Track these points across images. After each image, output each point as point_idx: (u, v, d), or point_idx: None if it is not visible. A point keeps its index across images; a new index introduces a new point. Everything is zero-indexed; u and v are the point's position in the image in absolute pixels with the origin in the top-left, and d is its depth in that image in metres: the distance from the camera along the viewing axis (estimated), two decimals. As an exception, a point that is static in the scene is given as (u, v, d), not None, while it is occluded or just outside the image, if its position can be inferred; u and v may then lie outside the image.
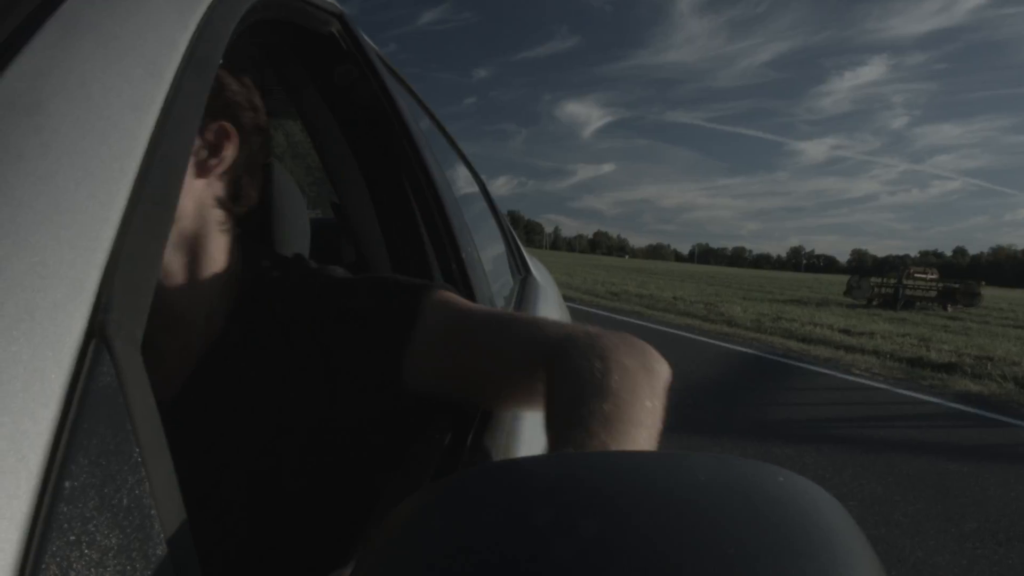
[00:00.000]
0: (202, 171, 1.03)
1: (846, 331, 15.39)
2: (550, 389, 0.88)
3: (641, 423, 0.81)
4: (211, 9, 0.75)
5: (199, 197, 1.02)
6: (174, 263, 1.01)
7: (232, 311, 1.05)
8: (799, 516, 0.42)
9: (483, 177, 3.92)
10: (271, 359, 1.01)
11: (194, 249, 1.03)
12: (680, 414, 8.06)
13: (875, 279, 27.03)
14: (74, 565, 0.38)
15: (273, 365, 1.00)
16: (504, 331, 1.01)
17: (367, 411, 0.99)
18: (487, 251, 2.66)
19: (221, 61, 0.76)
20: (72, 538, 0.38)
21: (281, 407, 0.98)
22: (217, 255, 1.06)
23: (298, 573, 0.93)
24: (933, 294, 25.85)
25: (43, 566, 0.36)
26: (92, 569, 0.38)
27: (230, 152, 1.06)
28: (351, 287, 1.08)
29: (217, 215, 1.04)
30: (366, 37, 1.65)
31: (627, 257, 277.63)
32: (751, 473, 0.46)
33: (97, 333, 0.45)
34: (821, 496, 0.45)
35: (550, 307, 3.17)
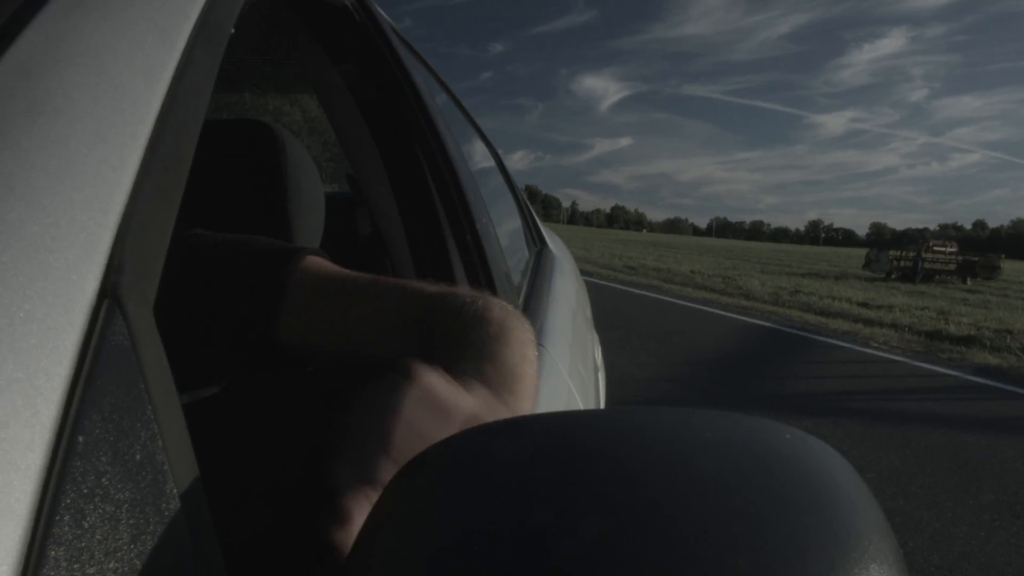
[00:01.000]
0: None
1: (864, 304, 15.32)
2: (425, 348, 0.89)
3: (523, 376, 0.84)
4: (223, -22, 0.76)
5: None
6: None
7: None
8: (805, 473, 0.43)
9: (499, 151, 3.91)
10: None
11: None
12: (698, 387, 8.11)
13: (894, 252, 26.84)
14: (88, 517, 0.38)
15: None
16: (373, 293, 1.01)
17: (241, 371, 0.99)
18: (503, 225, 2.66)
19: (233, 30, 0.77)
20: (86, 491, 0.39)
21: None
22: None
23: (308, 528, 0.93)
24: (952, 267, 25.67)
25: (57, 517, 0.37)
26: (106, 522, 0.39)
27: None
28: (222, 248, 1.06)
29: None
30: (381, 10, 1.64)
31: (645, 231, 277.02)
32: (758, 430, 0.47)
33: (110, 293, 0.45)
34: (827, 453, 0.46)
35: (566, 280, 3.17)
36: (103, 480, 0.40)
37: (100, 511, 0.39)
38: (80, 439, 0.39)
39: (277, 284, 0.99)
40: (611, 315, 11.56)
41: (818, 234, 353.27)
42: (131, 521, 0.41)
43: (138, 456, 0.42)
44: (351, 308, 1.00)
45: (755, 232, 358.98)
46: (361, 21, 1.46)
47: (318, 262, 1.05)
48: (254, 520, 0.93)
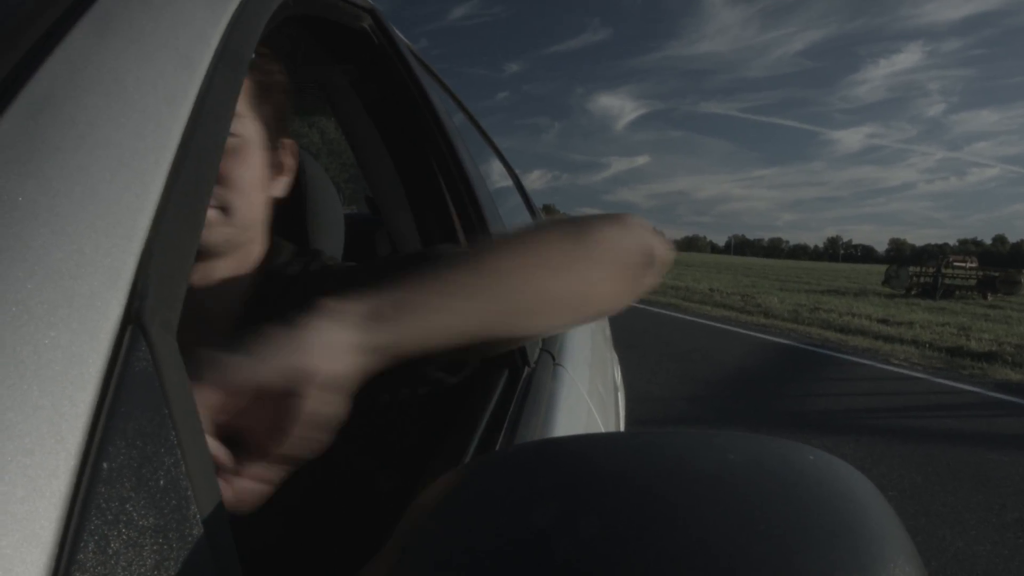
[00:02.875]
0: (270, 187, 1.09)
1: (884, 321, 15.24)
2: None
3: (547, 264, 0.86)
4: (243, 5, 0.76)
5: (263, 208, 1.07)
6: (220, 262, 1.04)
7: (248, 305, 1.07)
8: (830, 494, 0.43)
9: (517, 171, 3.91)
10: None
11: (241, 250, 1.07)
12: (718, 406, 8.08)
13: (913, 268, 26.74)
14: (112, 543, 0.38)
15: None
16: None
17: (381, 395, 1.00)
18: (522, 244, 2.65)
19: (253, 56, 0.77)
20: (110, 517, 0.39)
21: None
22: (256, 254, 1.10)
23: (332, 553, 0.94)
24: (972, 283, 25.55)
25: (81, 544, 0.37)
26: (130, 548, 0.39)
27: (290, 161, 1.13)
28: (353, 273, 1.10)
29: (267, 217, 1.09)
30: (398, 32, 1.65)
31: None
32: (782, 452, 0.46)
33: (134, 319, 0.46)
34: (852, 475, 0.45)
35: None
36: (127, 506, 0.40)
37: (124, 537, 0.39)
38: (104, 465, 0.39)
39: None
40: (630, 334, 11.54)
41: (837, 251, 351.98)
42: (155, 547, 0.41)
43: (162, 482, 0.43)
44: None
45: (773, 249, 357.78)
46: (379, 43, 1.47)
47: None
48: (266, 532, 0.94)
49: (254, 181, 1.04)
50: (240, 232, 1.03)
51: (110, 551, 0.38)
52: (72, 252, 0.44)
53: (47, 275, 0.42)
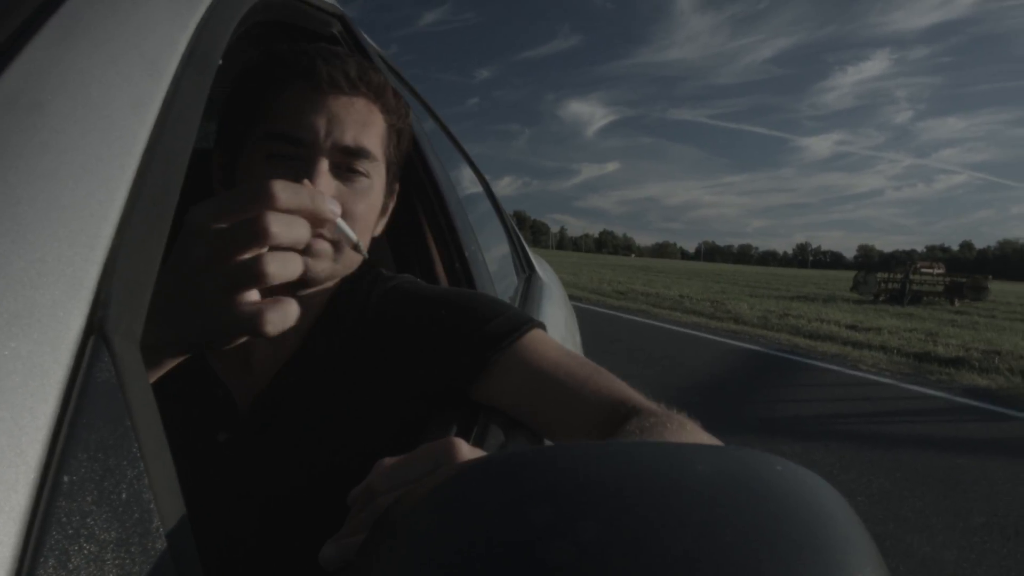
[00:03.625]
0: (377, 228, 1.14)
1: (853, 327, 15.35)
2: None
3: None
4: (211, 9, 0.76)
5: (365, 247, 1.08)
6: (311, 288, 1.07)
7: (318, 320, 1.09)
8: (797, 505, 0.42)
9: (487, 177, 3.92)
10: (347, 367, 1.04)
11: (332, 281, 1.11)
12: (689, 412, 7.97)
13: (882, 274, 26.95)
14: (73, 559, 0.38)
15: (348, 373, 1.04)
16: (583, 385, 1.02)
17: (421, 416, 1.01)
18: (492, 251, 2.66)
19: (221, 61, 0.77)
20: (71, 532, 0.38)
21: (350, 415, 1.00)
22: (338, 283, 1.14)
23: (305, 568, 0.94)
24: (940, 289, 25.79)
25: (41, 559, 0.36)
26: (91, 563, 0.39)
27: (393, 201, 1.19)
28: (442, 299, 1.12)
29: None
30: (368, 38, 1.65)
31: (633, 256, 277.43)
32: (749, 462, 0.46)
33: (96, 329, 0.45)
34: (819, 485, 0.45)
35: (555, 306, 3.17)
36: (88, 520, 0.39)
37: (85, 552, 0.39)
38: (65, 479, 0.39)
39: (491, 352, 1.03)
40: (601, 340, 11.56)
41: (806, 257, 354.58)
42: (117, 562, 0.40)
43: (124, 495, 0.42)
44: (552, 389, 1.01)
45: (743, 256, 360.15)
46: (347, 48, 1.46)
47: (540, 338, 1.08)
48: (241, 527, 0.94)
49: (370, 223, 1.07)
50: (343, 269, 1.08)
51: (71, 566, 0.38)
52: (33, 261, 0.44)
53: (7, 284, 0.41)
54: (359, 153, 1.01)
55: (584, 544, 0.39)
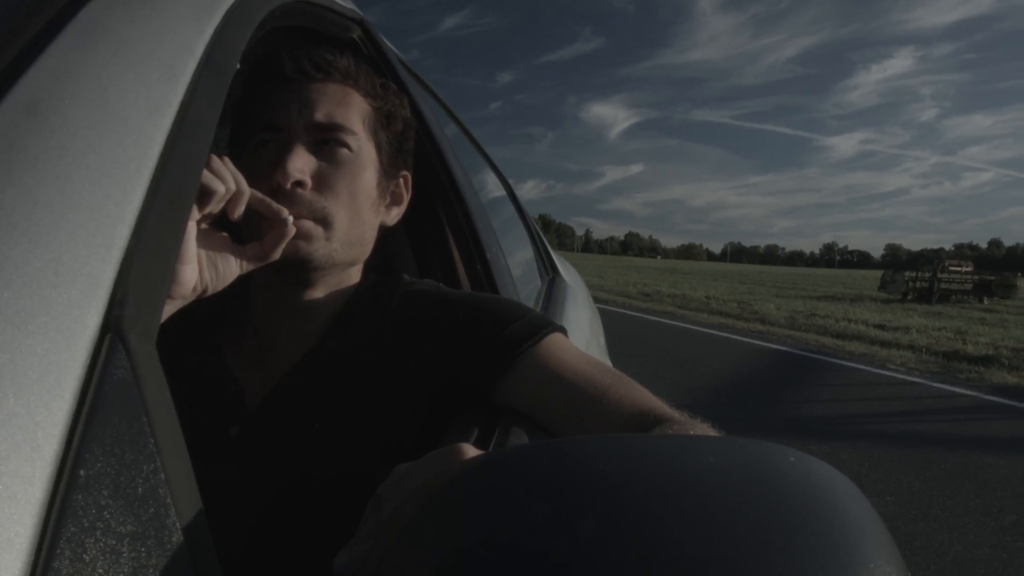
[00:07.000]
0: (382, 212, 1.14)
1: (881, 326, 15.23)
2: None
3: None
4: (228, 15, 0.76)
5: (370, 231, 1.11)
6: (318, 280, 1.07)
7: (336, 319, 1.09)
8: (811, 496, 0.42)
9: (510, 181, 3.91)
10: (363, 366, 1.05)
11: (342, 273, 1.11)
12: (715, 413, 7.97)
13: (909, 273, 26.71)
14: (89, 551, 0.38)
15: (364, 372, 1.04)
16: (605, 393, 1.01)
17: (438, 418, 1.01)
18: (515, 255, 2.66)
19: (238, 66, 0.77)
20: (87, 524, 0.39)
21: (363, 414, 1.01)
22: (355, 279, 1.14)
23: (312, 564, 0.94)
24: (968, 287, 25.55)
25: (58, 551, 0.37)
26: (107, 556, 0.39)
27: (406, 193, 1.19)
28: (462, 302, 1.13)
29: (373, 242, 1.13)
30: (388, 43, 1.65)
31: (659, 258, 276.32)
32: (763, 454, 0.46)
33: (112, 328, 0.46)
34: (833, 476, 0.45)
35: (579, 308, 3.16)
36: (104, 514, 0.40)
37: (101, 545, 0.39)
38: (81, 473, 0.39)
39: (510, 354, 1.03)
40: (626, 342, 11.53)
41: (833, 257, 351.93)
42: (132, 555, 0.41)
43: (140, 490, 0.42)
44: (571, 395, 1.01)
45: (769, 256, 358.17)
46: (369, 54, 1.47)
47: (560, 342, 1.08)
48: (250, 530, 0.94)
49: (361, 199, 1.06)
50: (342, 250, 1.05)
51: (87, 558, 0.38)
52: (50, 261, 0.44)
53: (25, 284, 0.42)
54: (332, 127, 1.04)
55: (600, 535, 0.39)
